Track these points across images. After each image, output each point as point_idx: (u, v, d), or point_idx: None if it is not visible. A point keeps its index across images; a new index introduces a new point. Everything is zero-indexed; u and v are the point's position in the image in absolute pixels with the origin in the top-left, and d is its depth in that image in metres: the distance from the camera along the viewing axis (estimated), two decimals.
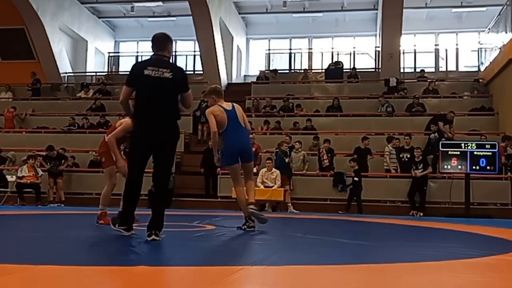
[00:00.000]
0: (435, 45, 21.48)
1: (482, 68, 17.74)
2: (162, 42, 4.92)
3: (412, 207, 12.12)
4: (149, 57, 4.99)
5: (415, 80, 18.35)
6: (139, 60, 22.74)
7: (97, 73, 21.83)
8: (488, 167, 11.45)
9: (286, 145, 12.96)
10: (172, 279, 3.21)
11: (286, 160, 12.65)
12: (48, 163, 13.34)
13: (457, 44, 21.11)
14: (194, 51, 21.89)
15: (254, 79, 19.66)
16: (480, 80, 17.02)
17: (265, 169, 12.47)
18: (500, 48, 15.07)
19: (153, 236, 4.65)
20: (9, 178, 13.44)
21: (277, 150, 12.95)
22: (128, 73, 4.95)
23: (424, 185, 12.14)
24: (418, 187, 12.13)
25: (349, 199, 12.22)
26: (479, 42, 19.53)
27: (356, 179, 12.22)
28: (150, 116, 4.76)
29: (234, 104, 6.41)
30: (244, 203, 6.33)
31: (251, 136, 13.82)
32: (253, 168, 13.17)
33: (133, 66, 4.93)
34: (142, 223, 6.56)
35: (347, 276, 3.37)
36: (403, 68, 19.44)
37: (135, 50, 24.11)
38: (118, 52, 24.22)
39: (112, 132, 6.11)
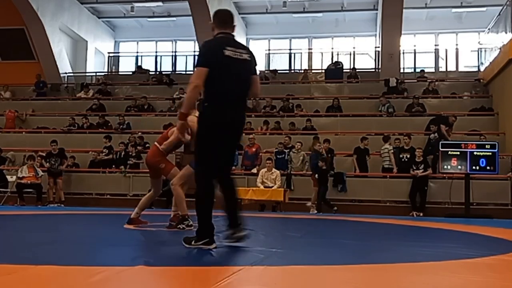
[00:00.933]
0: (435, 45, 21.49)
1: (482, 68, 17.73)
2: (231, 19, 4.36)
3: (413, 207, 12.11)
4: (217, 36, 4.31)
5: (415, 80, 18.36)
6: (139, 60, 23.16)
7: (97, 73, 21.85)
8: (488, 167, 11.45)
9: (319, 145, 12.76)
10: (172, 279, 3.21)
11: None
12: (48, 162, 13.30)
13: (457, 44, 21.10)
14: (194, 51, 21.91)
15: None
16: (480, 80, 17.02)
17: (265, 169, 12.47)
18: (500, 48, 15.06)
19: (238, 233, 4.37)
20: (9, 178, 13.45)
21: (312, 153, 12.68)
22: (201, 55, 4.24)
23: (425, 185, 12.14)
24: (419, 188, 12.12)
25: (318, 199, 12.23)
26: (479, 42, 19.53)
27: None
28: (231, 103, 4.20)
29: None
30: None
31: (251, 136, 13.95)
32: (254, 168, 13.30)
33: (208, 45, 4.27)
34: (144, 224, 6.57)
35: (347, 276, 3.37)
36: (403, 68, 19.44)
37: (135, 50, 24.11)
38: (118, 52, 24.23)
39: (170, 139, 6.15)
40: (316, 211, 11.90)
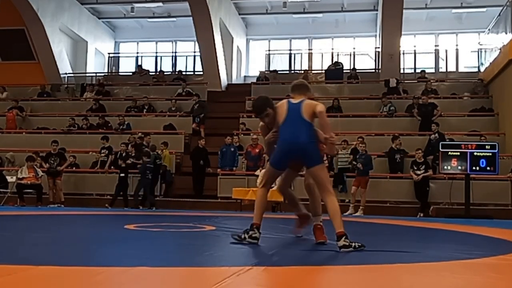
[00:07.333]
0: (435, 45, 21.48)
1: (482, 69, 17.73)
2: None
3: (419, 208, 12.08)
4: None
5: (415, 81, 18.37)
6: (139, 60, 23.17)
7: (97, 74, 21.85)
8: (488, 168, 11.44)
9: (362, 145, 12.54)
10: (172, 280, 3.20)
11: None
12: (48, 162, 13.24)
13: (457, 45, 21.11)
14: (194, 52, 21.90)
15: (254, 80, 19.64)
16: (480, 81, 17.02)
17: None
18: (500, 49, 15.06)
19: None
20: (9, 179, 13.43)
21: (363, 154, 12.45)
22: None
23: (426, 186, 12.14)
24: (420, 188, 12.11)
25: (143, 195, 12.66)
26: (479, 43, 19.53)
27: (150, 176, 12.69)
28: None
29: (309, 100, 4.97)
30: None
31: (254, 137, 13.85)
32: (258, 170, 13.24)
33: None
34: (143, 224, 6.56)
35: (347, 276, 3.37)
36: (403, 69, 19.44)
37: (135, 51, 24.11)
38: (118, 53, 24.22)
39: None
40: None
